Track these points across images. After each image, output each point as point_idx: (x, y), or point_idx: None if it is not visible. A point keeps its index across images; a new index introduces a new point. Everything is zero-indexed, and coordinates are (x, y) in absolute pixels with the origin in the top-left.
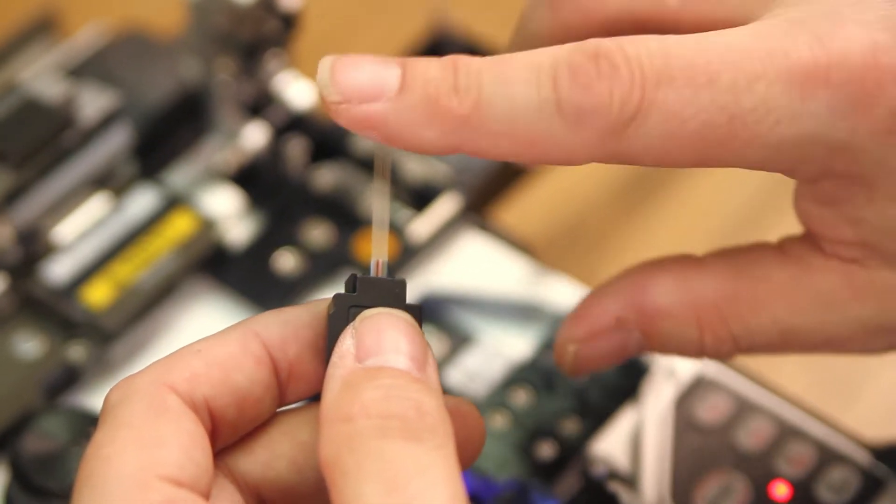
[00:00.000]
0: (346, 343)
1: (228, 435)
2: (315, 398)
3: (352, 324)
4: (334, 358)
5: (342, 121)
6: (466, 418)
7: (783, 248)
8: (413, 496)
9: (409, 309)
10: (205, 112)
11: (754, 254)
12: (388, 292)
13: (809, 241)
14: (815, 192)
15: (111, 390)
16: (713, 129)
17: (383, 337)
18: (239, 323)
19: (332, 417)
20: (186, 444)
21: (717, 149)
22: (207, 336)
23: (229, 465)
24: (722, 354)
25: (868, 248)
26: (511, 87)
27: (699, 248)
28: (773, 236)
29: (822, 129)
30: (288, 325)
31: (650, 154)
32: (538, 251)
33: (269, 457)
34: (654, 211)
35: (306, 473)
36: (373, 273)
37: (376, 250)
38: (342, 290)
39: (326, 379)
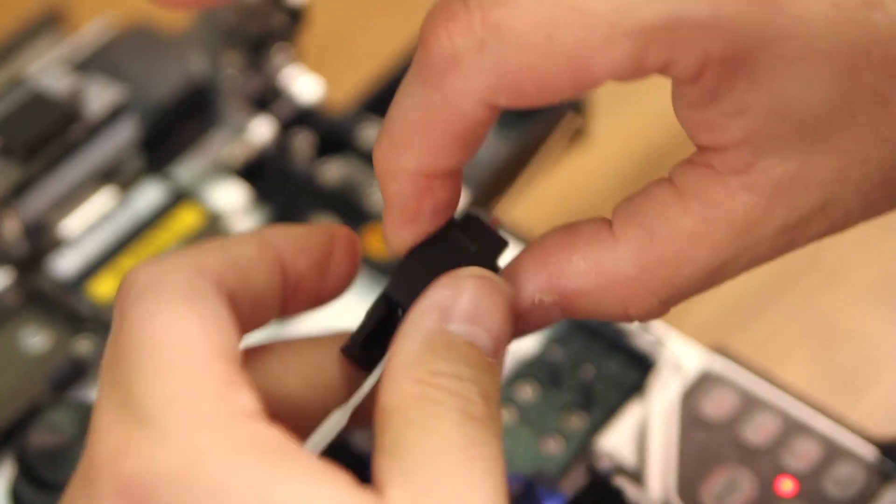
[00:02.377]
0: (442, 294)
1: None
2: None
3: (454, 274)
4: (426, 302)
5: None
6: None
7: (676, 184)
8: (459, 477)
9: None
10: (211, 106)
11: (654, 205)
12: (490, 247)
13: (701, 167)
14: (697, 91)
15: (135, 271)
16: (565, 33)
17: (480, 306)
18: (256, 229)
19: (404, 370)
20: (232, 330)
21: (578, 58)
22: (225, 236)
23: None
24: (652, 317)
25: (758, 142)
26: None
27: None
28: None
29: (680, 7)
30: (300, 240)
31: (523, 78)
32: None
33: (282, 371)
34: None
35: (314, 392)
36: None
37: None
38: None
39: (408, 322)
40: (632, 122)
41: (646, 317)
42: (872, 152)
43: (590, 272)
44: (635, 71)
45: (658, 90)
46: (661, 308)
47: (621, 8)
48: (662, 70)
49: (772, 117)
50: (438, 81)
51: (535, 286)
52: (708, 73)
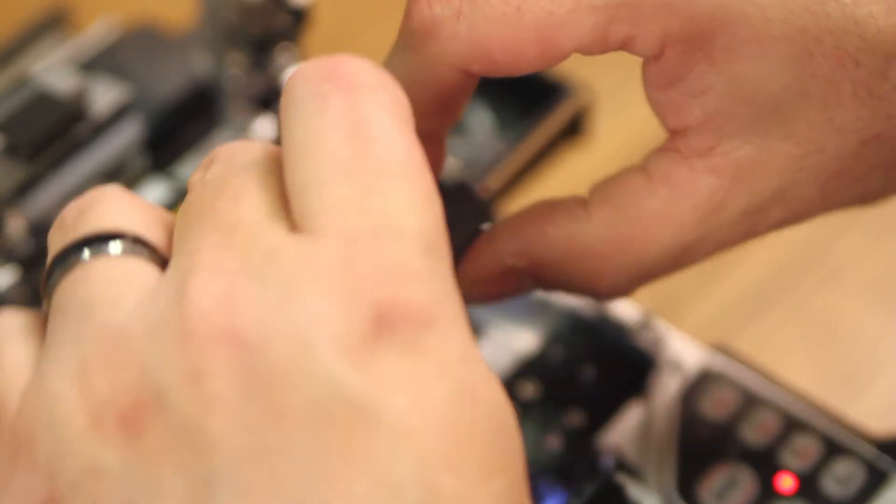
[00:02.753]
0: None
1: None
2: None
3: None
4: None
5: None
6: None
7: (647, 169)
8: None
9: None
10: (215, 106)
11: (626, 187)
12: (473, 217)
13: (670, 152)
14: (661, 71)
15: None
16: (534, 5)
17: None
18: None
19: None
20: None
21: (545, 30)
22: None
23: None
24: (619, 294)
25: (720, 123)
26: None
27: None
28: (783, 230)
29: None
30: None
31: (494, 47)
32: None
33: None
34: None
35: None
36: None
37: None
38: None
39: None
40: (632, 122)
41: (613, 293)
42: (828, 141)
43: (561, 242)
44: (599, 45)
45: None
46: (628, 285)
47: None
48: (625, 46)
49: (731, 99)
50: (417, 46)
51: (509, 250)
52: (669, 51)
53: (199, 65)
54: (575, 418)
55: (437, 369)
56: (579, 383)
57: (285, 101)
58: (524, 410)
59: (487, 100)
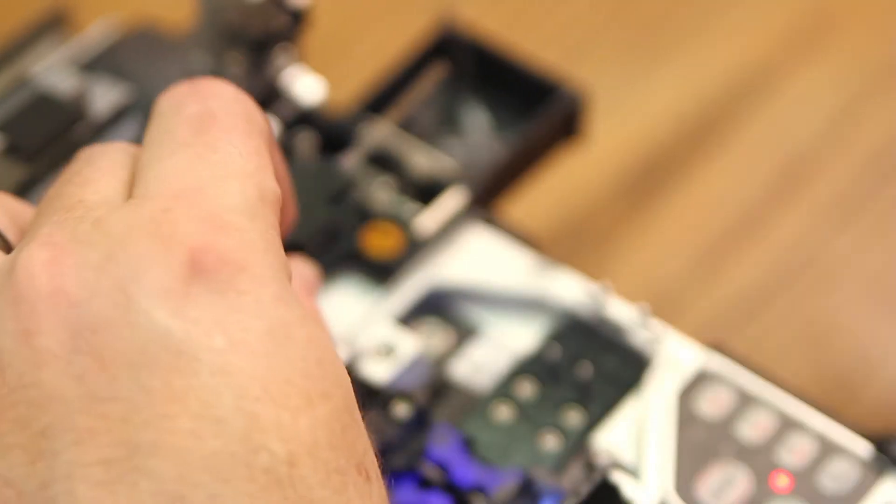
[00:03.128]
0: None
1: None
2: None
3: None
4: None
5: None
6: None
7: None
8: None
9: None
10: None
11: None
12: None
13: None
14: None
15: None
16: None
17: None
18: None
19: None
20: None
21: None
22: None
23: None
24: None
25: None
26: None
27: (706, 241)
28: (779, 231)
29: None
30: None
31: None
32: (544, 246)
33: None
34: (662, 204)
35: None
36: None
37: None
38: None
39: None
40: (632, 121)
41: None
42: None
43: None
44: None
45: (660, 88)
46: None
47: None
48: None
49: None
50: None
51: None
52: None
53: (198, 65)
54: (572, 417)
55: (252, 310)
56: (576, 382)
57: (152, 115)
58: (521, 410)
59: (483, 100)
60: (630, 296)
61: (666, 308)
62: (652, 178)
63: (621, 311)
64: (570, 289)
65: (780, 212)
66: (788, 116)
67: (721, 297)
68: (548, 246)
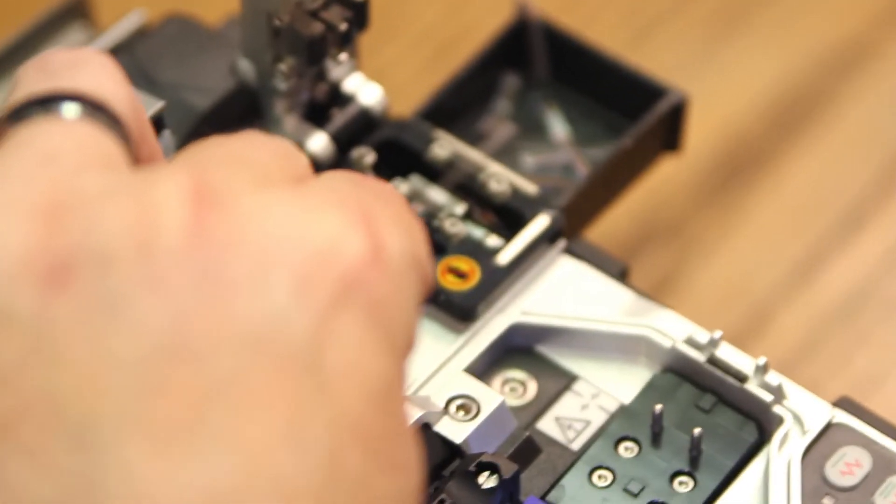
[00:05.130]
0: None
1: None
2: None
3: None
4: None
5: None
6: None
7: None
8: None
9: None
10: (261, 114)
11: None
12: None
13: None
14: None
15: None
16: None
17: None
18: None
19: None
20: None
21: None
22: None
23: None
24: None
25: None
26: None
27: (800, 244)
28: (885, 233)
29: None
30: None
31: None
32: (628, 264)
33: None
34: (748, 203)
35: None
36: None
37: None
38: None
39: None
40: (714, 108)
41: None
42: None
43: None
44: None
45: (743, 70)
46: None
47: None
48: None
49: None
50: None
51: None
52: None
53: (242, 66)
54: (679, 486)
55: (382, 343)
56: (683, 445)
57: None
58: (619, 476)
59: (563, 107)
60: (714, 306)
61: (753, 321)
62: (737, 174)
63: (734, 360)
64: (672, 330)
65: (886, 211)
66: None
67: (817, 309)
68: (622, 253)
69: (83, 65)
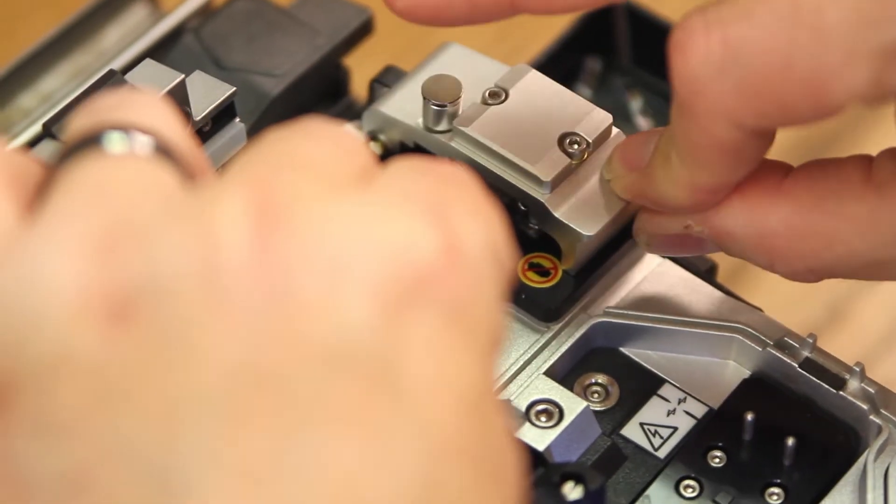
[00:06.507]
0: None
1: None
2: None
3: None
4: None
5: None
6: None
7: (872, 168)
8: None
9: None
10: (336, 97)
11: (837, 179)
12: None
13: None
14: None
15: None
16: (803, 56)
17: None
18: None
19: None
20: None
21: (817, 81)
22: None
23: None
24: (799, 279)
25: None
26: None
27: None
28: None
29: None
30: None
31: (763, 101)
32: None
33: None
34: None
35: None
36: None
37: None
38: None
39: None
40: None
41: (791, 277)
42: None
43: (744, 219)
44: (876, 94)
45: None
46: (807, 275)
47: (861, 28)
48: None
49: None
50: (687, 107)
51: (694, 217)
52: None
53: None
54: (770, 500)
55: (466, 344)
56: (774, 456)
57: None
58: (707, 489)
59: (645, 93)
60: (787, 300)
61: (829, 315)
62: (814, 152)
63: (829, 365)
64: (763, 332)
65: None
66: None
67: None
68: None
69: (129, 100)
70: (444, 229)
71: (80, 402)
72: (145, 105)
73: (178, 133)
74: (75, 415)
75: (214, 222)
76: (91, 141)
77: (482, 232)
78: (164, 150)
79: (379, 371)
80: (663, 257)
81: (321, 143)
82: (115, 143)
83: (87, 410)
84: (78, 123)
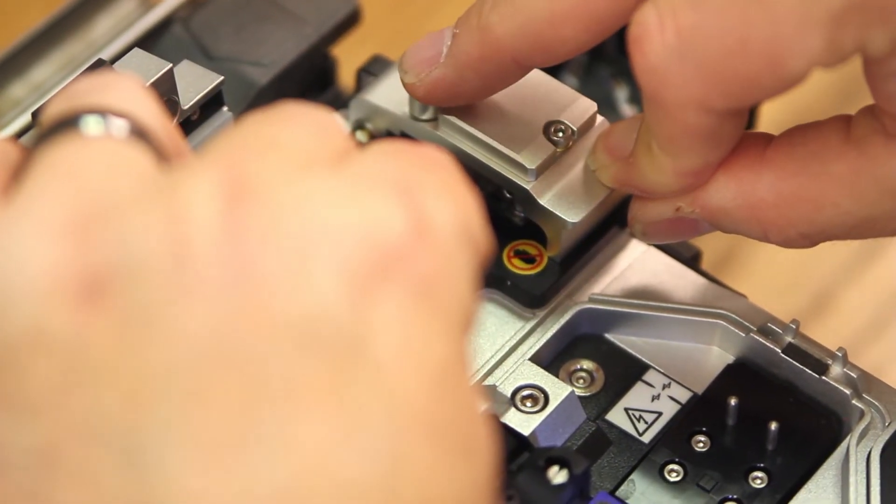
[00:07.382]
0: None
1: None
2: None
3: None
4: None
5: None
6: None
7: (850, 127)
8: None
9: None
10: (323, 86)
11: (817, 142)
12: None
13: (877, 123)
14: (887, 68)
15: None
16: (758, 33)
17: None
18: None
19: None
20: None
21: (774, 55)
22: None
23: None
24: (795, 246)
25: None
26: None
27: None
28: None
29: None
30: None
31: (727, 81)
32: (700, 248)
33: None
34: None
35: None
36: None
37: None
38: None
39: None
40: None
41: (787, 244)
42: None
43: (732, 193)
44: (833, 58)
45: None
46: (802, 240)
47: None
48: (859, 51)
49: None
50: (656, 100)
51: (682, 199)
52: None
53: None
54: (753, 483)
55: (435, 321)
56: (758, 440)
57: None
58: (691, 472)
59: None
60: (774, 287)
61: (815, 302)
62: None
63: (812, 350)
64: (747, 318)
65: None
66: None
67: (882, 290)
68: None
69: (106, 84)
70: (413, 209)
71: (52, 380)
72: (122, 88)
73: (154, 116)
74: (46, 392)
75: (184, 202)
76: (67, 123)
77: (453, 211)
78: (139, 133)
79: (345, 347)
80: (648, 245)
81: (297, 125)
82: (90, 125)
83: (57, 387)
84: (55, 107)
